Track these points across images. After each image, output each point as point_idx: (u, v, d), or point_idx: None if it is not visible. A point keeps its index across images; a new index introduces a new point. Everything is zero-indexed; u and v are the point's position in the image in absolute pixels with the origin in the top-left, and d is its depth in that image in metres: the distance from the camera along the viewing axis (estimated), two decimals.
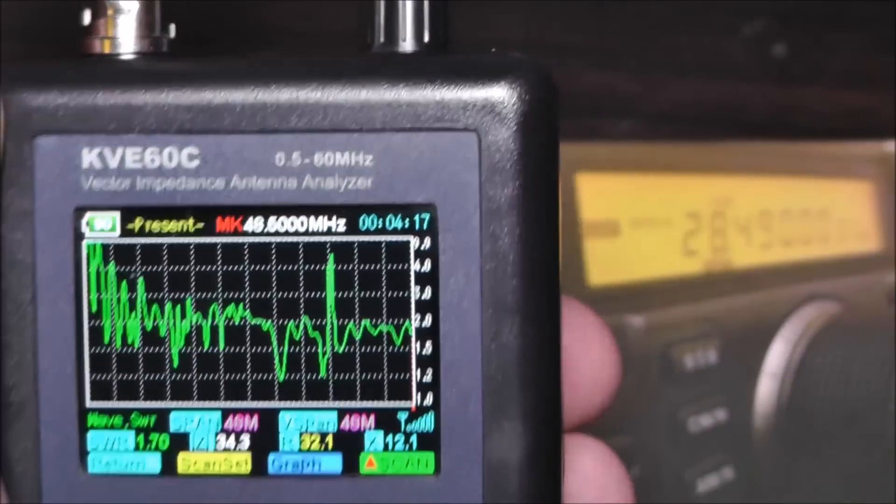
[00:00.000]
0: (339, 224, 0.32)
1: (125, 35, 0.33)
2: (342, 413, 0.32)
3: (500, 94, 0.31)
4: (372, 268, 0.32)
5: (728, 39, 0.52)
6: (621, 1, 0.52)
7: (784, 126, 0.52)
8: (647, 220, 0.51)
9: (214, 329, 0.32)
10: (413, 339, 0.32)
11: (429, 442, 0.32)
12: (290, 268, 0.32)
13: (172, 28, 0.33)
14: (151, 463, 0.32)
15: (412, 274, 0.32)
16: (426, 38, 0.33)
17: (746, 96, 0.52)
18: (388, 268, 0.32)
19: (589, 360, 0.34)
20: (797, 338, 0.51)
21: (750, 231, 0.52)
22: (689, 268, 0.51)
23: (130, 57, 0.33)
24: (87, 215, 0.32)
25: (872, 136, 0.52)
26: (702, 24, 0.52)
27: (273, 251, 0.32)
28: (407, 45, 0.33)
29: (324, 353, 0.32)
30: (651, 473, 0.50)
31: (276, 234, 0.32)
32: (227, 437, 0.32)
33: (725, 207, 0.51)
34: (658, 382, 0.50)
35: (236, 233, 0.32)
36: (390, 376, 0.32)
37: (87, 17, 0.33)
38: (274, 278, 0.32)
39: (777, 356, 0.51)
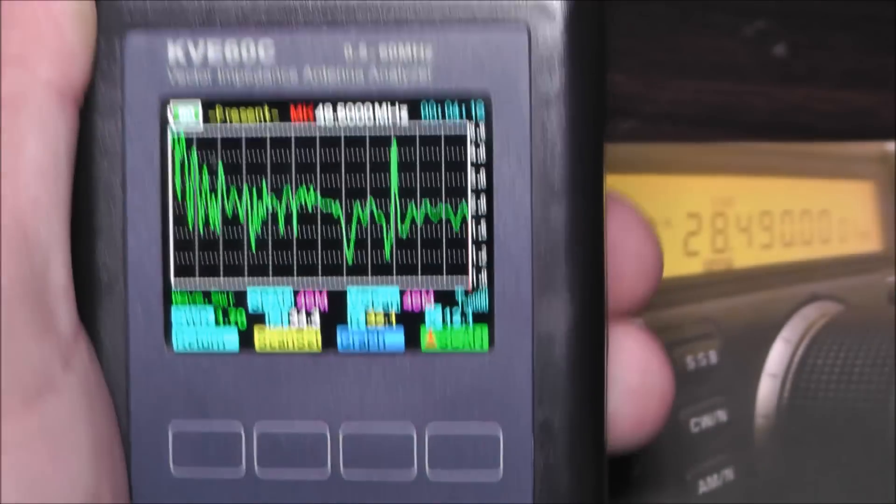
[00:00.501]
0: (402, 114, 0.34)
1: None
2: (404, 291, 0.34)
3: None
4: (432, 155, 0.34)
5: (729, 40, 0.52)
6: (621, 1, 0.52)
7: (785, 126, 0.52)
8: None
9: (288, 212, 0.34)
10: (469, 221, 0.34)
11: (483, 318, 0.34)
12: (357, 156, 0.34)
13: None
14: (230, 338, 0.34)
15: (468, 161, 0.34)
16: None
17: (747, 96, 0.52)
18: (447, 155, 0.34)
19: (632, 250, 0.36)
20: (798, 338, 0.51)
21: (751, 231, 0.52)
22: (689, 268, 0.51)
23: None
24: (171, 106, 0.34)
25: (873, 136, 0.52)
26: (702, 24, 0.52)
27: (342, 140, 0.34)
28: None
29: (388, 236, 0.34)
30: (652, 474, 0.50)
31: (345, 123, 0.34)
32: (299, 314, 0.34)
33: (726, 208, 0.51)
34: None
35: (308, 122, 0.34)
36: (448, 257, 0.34)
37: None
38: (343, 165, 0.34)
39: (778, 357, 0.51)
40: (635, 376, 0.36)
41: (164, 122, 0.34)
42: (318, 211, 0.34)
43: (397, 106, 0.34)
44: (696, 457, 0.50)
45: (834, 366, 0.51)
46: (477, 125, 0.34)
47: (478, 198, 0.34)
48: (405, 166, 0.34)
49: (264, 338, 0.34)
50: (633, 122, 0.52)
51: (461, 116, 0.34)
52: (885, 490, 0.50)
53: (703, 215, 0.51)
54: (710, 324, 0.51)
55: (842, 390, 0.51)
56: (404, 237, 0.34)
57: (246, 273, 0.34)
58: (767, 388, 0.51)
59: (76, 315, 0.33)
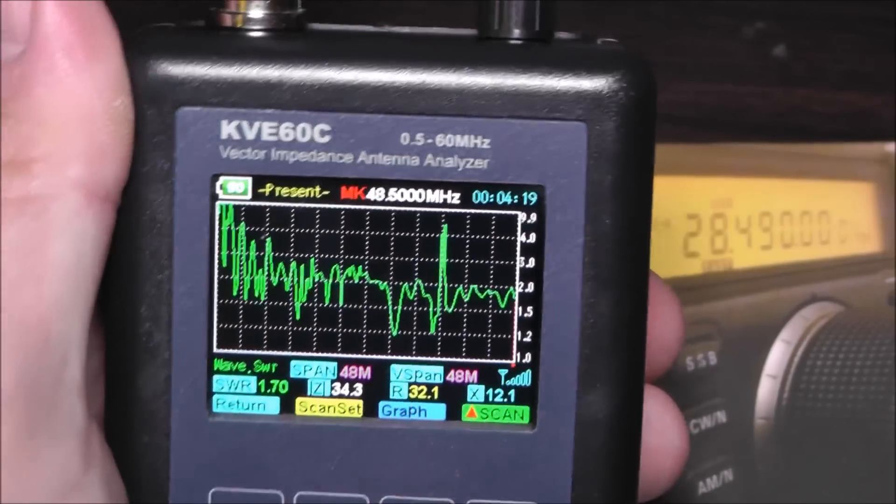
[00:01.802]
0: (455, 197, 0.34)
1: (257, 10, 0.35)
2: (448, 367, 0.35)
3: (610, 85, 0.34)
4: (482, 238, 0.34)
5: (729, 40, 0.52)
6: (622, 1, 0.52)
7: (785, 127, 0.52)
8: None
9: (335, 286, 0.35)
10: (516, 303, 0.34)
11: (526, 396, 0.35)
12: (406, 235, 0.34)
13: (299, 2, 0.35)
14: (271, 405, 0.35)
15: (518, 245, 0.34)
16: (536, 28, 0.35)
17: (747, 98, 0.52)
18: (497, 238, 0.34)
19: (659, 323, 0.37)
20: (797, 339, 0.51)
21: (750, 232, 0.52)
22: (689, 269, 0.51)
23: (262, 33, 0.35)
24: (222, 179, 0.34)
25: (873, 137, 0.52)
26: (702, 24, 0.52)
27: (392, 219, 0.34)
28: (518, 32, 0.35)
29: (434, 313, 0.35)
30: None
31: (396, 203, 0.34)
32: (342, 385, 0.35)
33: (726, 209, 0.51)
34: (659, 384, 0.50)
35: (359, 201, 0.34)
36: (493, 336, 0.35)
37: None
38: (392, 243, 0.34)
39: (777, 358, 0.51)
40: (653, 438, 0.37)
41: (213, 195, 0.34)
42: (365, 285, 0.34)
43: (450, 191, 0.34)
44: (695, 458, 0.50)
45: (833, 367, 0.51)
46: (529, 212, 0.34)
47: (526, 281, 0.34)
48: (454, 248, 0.34)
49: (306, 405, 0.35)
50: None
51: (513, 203, 0.34)
52: (884, 491, 0.50)
53: (703, 216, 0.51)
54: (710, 325, 0.51)
55: (841, 391, 0.51)
56: (450, 315, 0.34)
57: (290, 344, 0.35)
58: (767, 389, 0.51)
59: (89, 411, 0.33)
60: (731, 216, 0.51)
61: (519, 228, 0.34)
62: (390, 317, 0.35)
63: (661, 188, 0.51)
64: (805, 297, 0.52)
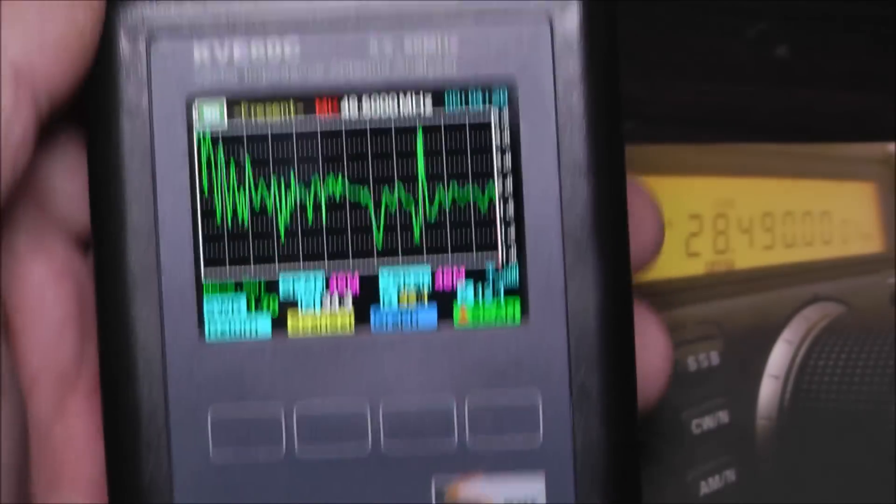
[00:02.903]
0: (427, 102, 0.35)
1: None
2: (435, 271, 0.35)
3: None
4: (457, 142, 0.35)
5: (731, 41, 0.52)
6: (623, 2, 0.52)
7: (786, 127, 0.52)
8: None
9: (317, 201, 0.35)
10: (498, 201, 0.35)
11: (515, 293, 0.35)
12: (383, 144, 0.35)
13: None
14: (263, 325, 0.35)
15: (493, 144, 0.35)
16: None
17: (749, 98, 0.52)
18: (473, 140, 0.35)
19: (638, 218, 0.38)
20: (799, 339, 0.51)
21: (752, 232, 0.52)
22: (691, 269, 0.51)
23: None
24: (197, 103, 0.35)
25: (875, 137, 0.52)
26: (704, 25, 0.52)
27: (368, 130, 0.35)
28: None
29: (417, 219, 0.35)
30: (653, 475, 0.50)
31: (370, 113, 0.35)
32: (332, 298, 0.35)
33: (728, 209, 0.51)
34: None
35: (334, 114, 0.35)
36: (478, 236, 0.35)
37: None
38: (369, 155, 0.35)
39: (779, 358, 0.51)
40: (637, 338, 0.37)
41: (189, 123, 0.35)
42: (347, 198, 0.35)
43: (421, 95, 0.35)
44: (697, 458, 0.50)
45: (836, 367, 0.51)
46: (501, 110, 0.35)
47: (505, 179, 0.35)
48: (431, 153, 0.35)
49: (297, 323, 0.35)
50: (635, 124, 0.52)
51: (485, 103, 0.35)
52: (886, 491, 0.50)
53: (705, 216, 0.51)
54: (712, 325, 0.51)
55: (843, 392, 0.51)
56: (433, 219, 0.35)
57: (277, 261, 0.35)
58: (769, 390, 0.51)
59: None
60: (733, 216, 0.51)
61: (493, 127, 0.35)
62: (374, 226, 0.35)
63: (663, 188, 0.52)
64: (807, 298, 0.52)
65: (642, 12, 0.52)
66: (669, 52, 0.52)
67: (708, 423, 0.50)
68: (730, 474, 0.50)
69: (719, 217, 0.51)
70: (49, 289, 0.36)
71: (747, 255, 0.51)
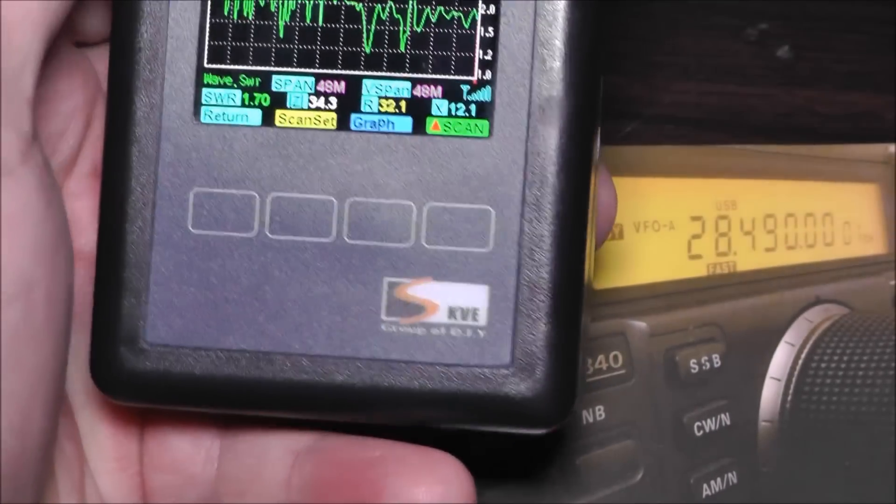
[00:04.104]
0: None
1: None
2: (415, 82, 0.38)
3: None
4: None
5: (732, 41, 0.52)
6: (624, 2, 0.52)
7: (788, 129, 0.52)
8: (650, 223, 0.51)
9: (315, 6, 0.38)
10: (479, 23, 0.38)
11: (485, 111, 0.38)
12: None
13: None
14: (254, 117, 0.38)
15: None
16: None
17: (750, 99, 0.52)
18: None
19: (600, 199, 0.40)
20: (801, 342, 0.51)
21: (754, 234, 0.51)
22: (693, 271, 0.51)
23: None
24: None
25: (877, 138, 0.52)
26: (706, 26, 0.52)
27: None
28: None
29: (404, 32, 0.38)
30: (656, 477, 0.50)
31: None
32: (319, 98, 0.38)
33: (730, 211, 0.51)
34: (662, 387, 0.50)
35: None
36: (457, 54, 0.38)
37: None
38: None
39: (781, 360, 0.51)
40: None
41: None
42: (342, 7, 0.38)
43: None
44: (699, 460, 0.50)
45: (838, 369, 0.51)
46: None
47: (488, 3, 0.38)
48: None
49: (285, 115, 0.38)
50: (636, 125, 0.52)
51: None
52: (888, 493, 0.50)
53: (707, 218, 0.51)
54: (714, 327, 0.51)
55: (845, 394, 0.51)
56: (418, 34, 0.38)
57: (273, 60, 0.38)
58: (771, 392, 0.51)
59: (35, 126, 0.36)
60: (734, 218, 0.51)
61: None
62: (364, 35, 0.38)
63: (665, 190, 0.51)
64: (809, 300, 0.51)
65: (642, 12, 0.52)
66: (670, 53, 0.52)
67: (710, 425, 0.50)
68: (732, 476, 0.50)
69: (721, 219, 0.51)
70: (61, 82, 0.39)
71: (749, 257, 0.51)
